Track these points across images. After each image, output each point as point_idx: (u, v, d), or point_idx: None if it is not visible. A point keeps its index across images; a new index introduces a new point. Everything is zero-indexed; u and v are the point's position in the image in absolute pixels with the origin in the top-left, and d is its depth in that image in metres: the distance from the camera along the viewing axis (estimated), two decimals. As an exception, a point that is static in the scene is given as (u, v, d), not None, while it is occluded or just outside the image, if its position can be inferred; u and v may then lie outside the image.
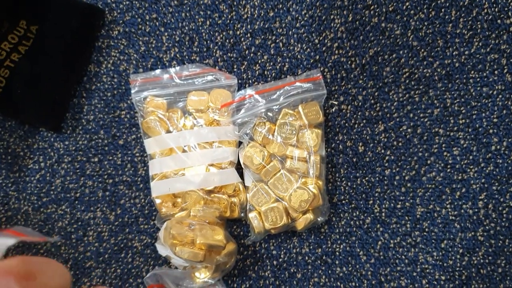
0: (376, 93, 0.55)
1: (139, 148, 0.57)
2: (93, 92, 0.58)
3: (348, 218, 0.55)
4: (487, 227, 0.53)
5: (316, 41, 0.56)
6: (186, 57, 0.57)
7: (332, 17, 0.56)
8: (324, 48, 0.56)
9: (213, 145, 0.53)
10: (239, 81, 0.57)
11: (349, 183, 0.55)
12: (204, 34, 0.57)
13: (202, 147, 0.53)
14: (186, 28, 0.57)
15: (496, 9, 0.54)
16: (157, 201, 0.54)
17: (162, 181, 0.53)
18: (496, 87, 0.54)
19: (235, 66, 0.57)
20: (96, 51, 0.58)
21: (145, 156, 0.57)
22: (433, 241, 0.54)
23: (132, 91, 0.56)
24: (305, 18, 0.56)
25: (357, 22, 0.55)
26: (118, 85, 0.58)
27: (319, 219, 0.52)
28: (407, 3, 0.55)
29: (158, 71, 0.56)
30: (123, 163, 0.58)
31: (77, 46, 0.57)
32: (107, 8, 0.58)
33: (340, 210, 0.55)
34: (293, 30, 0.56)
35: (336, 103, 0.55)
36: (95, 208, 0.58)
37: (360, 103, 0.55)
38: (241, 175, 0.54)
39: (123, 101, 0.58)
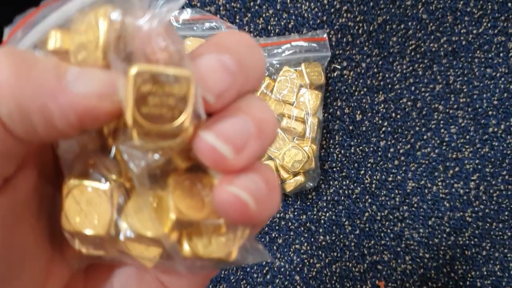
0: (380, 62, 0.55)
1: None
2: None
3: (337, 186, 0.55)
4: (476, 209, 0.55)
5: (325, 1, 0.55)
6: (187, 1, 0.56)
7: (343, -22, 0.55)
8: (332, 10, 0.55)
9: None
10: (240, 33, 0.56)
11: (342, 151, 0.55)
12: (208, -21, 0.56)
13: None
14: (190, -29, 0.56)
15: (508, -8, 0.55)
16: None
17: None
18: (500, 70, 0.55)
19: (237, 17, 0.56)
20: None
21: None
22: (420, 217, 0.55)
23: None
24: (316, -24, 0.55)
25: (368, -13, 0.55)
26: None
27: (308, 184, 0.52)
28: (421, -26, 0.55)
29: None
30: None
31: None
32: None
33: (330, 178, 0.55)
34: (302, -13, 0.55)
35: (339, 67, 0.55)
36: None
37: (363, 71, 0.55)
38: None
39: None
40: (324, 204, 0.55)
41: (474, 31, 0.55)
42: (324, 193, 0.55)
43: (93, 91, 0.13)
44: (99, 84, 0.13)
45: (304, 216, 0.55)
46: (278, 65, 0.52)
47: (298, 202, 0.55)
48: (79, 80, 0.13)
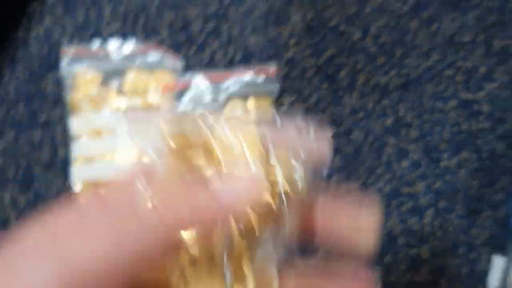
0: (329, 96, 0.56)
1: (62, 128, 0.54)
2: (18, 60, 0.55)
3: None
4: (431, 244, 0.55)
5: (272, 34, 0.56)
6: (129, 33, 0.56)
7: (291, 12, 0.57)
8: (280, 43, 0.56)
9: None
10: (185, 66, 0.56)
11: (293, 188, 0.55)
12: (151, 11, 0.56)
13: (136, 131, 0.51)
14: (133, 3, 0.56)
15: (455, 26, 0.57)
16: (77, 188, 0.51)
17: (86, 165, 0.51)
18: (450, 103, 0.56)
19: (182, 50, 0.56)
20: (27, 17, 0.56)
21: (68, 137, 0.54)
22: (377, 254, 0.54)
23: (63, 63, 0.53)
24: (263, 10, 0.57)
25: (316, 21, 0.57)
26: (47, 56, 0.55)
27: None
28: (369, 8, 0.57)
29: (95, 44, 0.54)
30: (42, 142, 0.54)
31: (6, 9, 0.55)
32: (45, -30, 0.56)
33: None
34: (249, 19, 0.56)
35: (287, 101, 0.56)
36: (2, 191, 0.54)
37: (312, 105, 0.56)
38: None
39: (51, 73, 0.55)
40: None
41: (424, 65, 0.57)
42: (275, 233, 0.55)
43: (243, 200, 0.17)
44: (248, 192, 0.17)
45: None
46: (223, 100, 0.52)
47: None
48: (228, 191, 0.16)
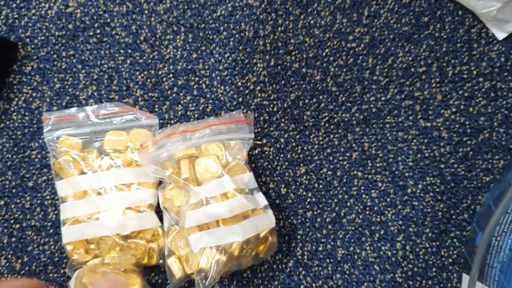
0: (297, 136, 0.60)
1: (50, 191, 0.58)
2: (1, 130, 0.59)
3: (271, 262, 0.59)
4: (405, 269, 0.59)
5: (239, 83, 0.61)
6: (105, 95, 0.60)
7: (254, 61, 0.61)
8: (247, 91, 0.61)
9: (131, 187, 0.55)
10: (161, 122, 0.60)
11: (271, 226, 0.59)
12: (124, 73, 0.60)
13: (119, 189, 0.55)
14: (105, 66, 0.60)
15: (410, 58, 0.62)
16: (68, 247, 0.54)
17: (75, 226, 0.54)
18: (411, 132, 0.61)
19: (156, 106, 0.60)
20: (7, 87, 0.59)
21: (56, 199, 0.58)
22: (354, 283, 0.58)
23: (45, 130, 0.57)
24: (228, 61, 0.61)
25: (279, 67, 0.61)
26: (30, 124, 0.59)
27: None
28: (326, 50, 0.61)
29: (73, 109, 0.58)
30: (32, 206, 0.58)
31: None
32: (20, 43, 0.60)
33: (262, 254, 0.58)
34: (216, 72, 0.61)
35: (260, 143, 0.60)
36: (-2, 257, 0.57)
37: (282, 146, 0.60)
38: (160, 218, 0.56)
39: (34, 140, 0.59)
40: (260, 281, 0.58)
41: (383, 98, 0.61)
42: (258, 270, 0.58)
43: None
44: None
45: (242, 296, 0.58)
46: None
47: (234, 282, 0.58)
48: None
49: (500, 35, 0.62)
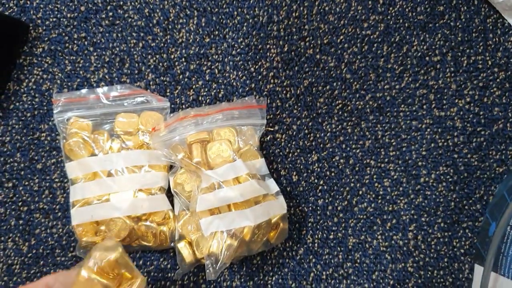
0: (310, 123, 0.60)
1: (59, 173, 0.58)
2: (10, 111, 0.58)
3: (281, 249, 0.58)
4: (416, 258, 0.58)
5: (252, 69, 0.60)
6: (116, 78, 0.59)
7: (268, 46, 0.60)
8: (259, 77, 0.60)
9: (142, 170, 0.55)
10: (172, 106, 0.59)
11: (282, 213, 0.58)
12: (136, 56, 0.60)
13: (130, 171, 0.55)
14: (117, 49, 0.60)
15: (425, 47, 0.61)
16: (78, 229, 0.54)
17: (84, 207, 0.54)
18: (425, 121, 0.60)
19: (168, 91, 0.60)
20: (17, 68, 0.59)
21: (66, 182, 0.58)
22: (364, 272, 0.58)
23: (55, 111, 0.57)
24: (241, 46, 0.60)
25: (292, 53, 0.60)
26: (40, 105, 0.59)
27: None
28: (341, 37, 0.61)
29: (84, 91, 0.58)
30: (41, 189, 0.58)
31: (-4, 61, 0.58)
32: (32, 24, 0.60)
33: (272, 241, 0.58)
34: (229, 57, 0.60)
35: (272, 129, 0.59)
36: (6, 239, 0.57)
37: (294, 133, 0.60)
38: (171, 203, 0.56)
39: (44, 122, 0.59)
40: (270, 268, 0.58)
41: (397, 86, 0.61)
42: (268, 257, 0.58)
43: None
44: None
45: (251, 282, 0.58)
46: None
47: (244, 269, 0.58)
48: None
49: (517, 25, 0.61)
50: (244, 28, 0.61)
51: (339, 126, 0.60)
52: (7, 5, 0.60)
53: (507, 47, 0.61)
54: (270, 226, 0.54)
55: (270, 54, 0.60)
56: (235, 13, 0.61)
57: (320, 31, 0.61)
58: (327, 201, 0.59)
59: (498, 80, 0.61)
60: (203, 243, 0.53)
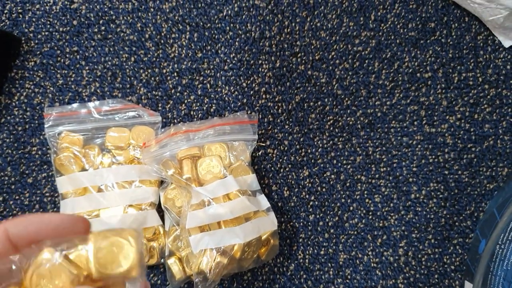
0: (301, 139, 0.60)
1: (50, 188, 0.58)
2: (2, 125, 0.59)
3: (272, 264, 0.58)
4: (407, 275, 0.59)
5: (244, 84, 0.61)
6: (108, 92, 0.60)
7: (260, 62, 0.61)
8: (251, 92, 0.61)
9: (133, 185, 0.55)
10: (164, 121, 0.60)
11: (273, 229, 0.59)
12: (128, 70, 0.60)
13: (121, 187, 0.55)
14: (109, 63, 0.60)
15: (416, 63, 0.62)
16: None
17: (74, 223, 0.54)
18: (416, 137, 0.61)
19: (159, 105, 0.60)
20: (8, 81, 0.59)
21: (56, 197, 0.58)
22: (355, 289, 0.58)
23: (46, 126, 0.57)
24: (234, 61, 0.61)
25: (284, 69, 0.61)
26: (31, 119, 0.59)
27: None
28: (332, 53, 0.62)
29: (75, 105, 0.58)
30: (31, 203, 0.58)
31: (-13, 75, 0.58)
32: (24, 38, 0.60)
33: (263, 257, 0.58)
34: (221, 72, 0.61)
35: (263, 145, 0.60)
36: (-5, 253, 0.57)
37: (286, 148, 0.60)
38: (162, 218, 0.56)
39: (35, 136, 0.59)
40: (261, 284, 0.58)
41: (388, 103, 0.61)
42: (259, 273, 0.58)
43: None
44: None
45: (241, 299, 0.58)
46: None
47: (234, 285, 0.58)
48: None
49: (507, 43, 0.62)
50: (237, 43, 0.61)
51: (330, 142, 0.61)
52: (-1, 19, 0.60)
53: (497, 64, 0.62)
54: (261, 243, 0.54)
55: (262, 70, 0.61)
56: (228, 28, 0.61)
57: (312, 47, 0.61)
58: (318, 216, 0.59)
59: (488, 96, 0.62)
60: (192, 260, 0.53)
